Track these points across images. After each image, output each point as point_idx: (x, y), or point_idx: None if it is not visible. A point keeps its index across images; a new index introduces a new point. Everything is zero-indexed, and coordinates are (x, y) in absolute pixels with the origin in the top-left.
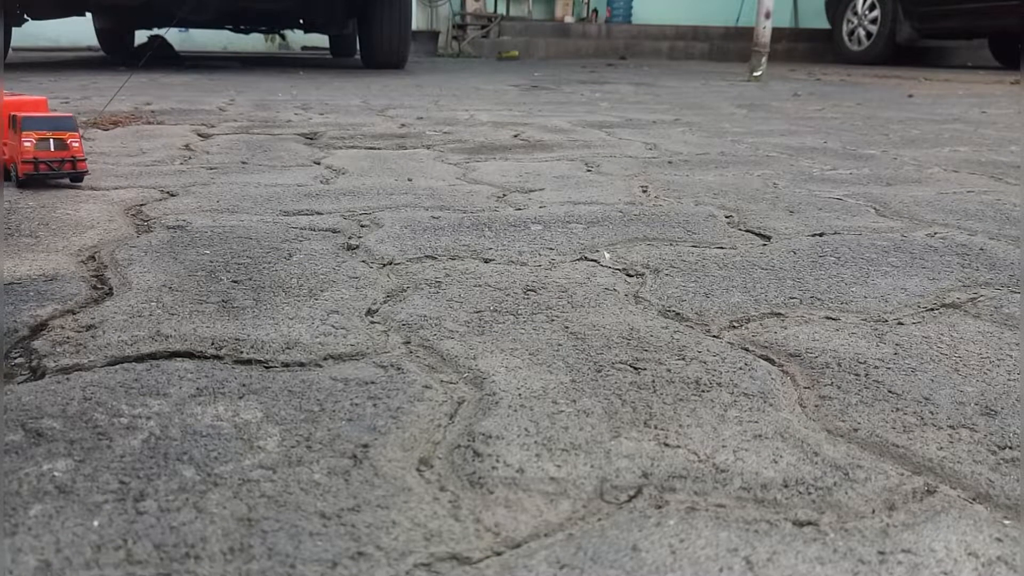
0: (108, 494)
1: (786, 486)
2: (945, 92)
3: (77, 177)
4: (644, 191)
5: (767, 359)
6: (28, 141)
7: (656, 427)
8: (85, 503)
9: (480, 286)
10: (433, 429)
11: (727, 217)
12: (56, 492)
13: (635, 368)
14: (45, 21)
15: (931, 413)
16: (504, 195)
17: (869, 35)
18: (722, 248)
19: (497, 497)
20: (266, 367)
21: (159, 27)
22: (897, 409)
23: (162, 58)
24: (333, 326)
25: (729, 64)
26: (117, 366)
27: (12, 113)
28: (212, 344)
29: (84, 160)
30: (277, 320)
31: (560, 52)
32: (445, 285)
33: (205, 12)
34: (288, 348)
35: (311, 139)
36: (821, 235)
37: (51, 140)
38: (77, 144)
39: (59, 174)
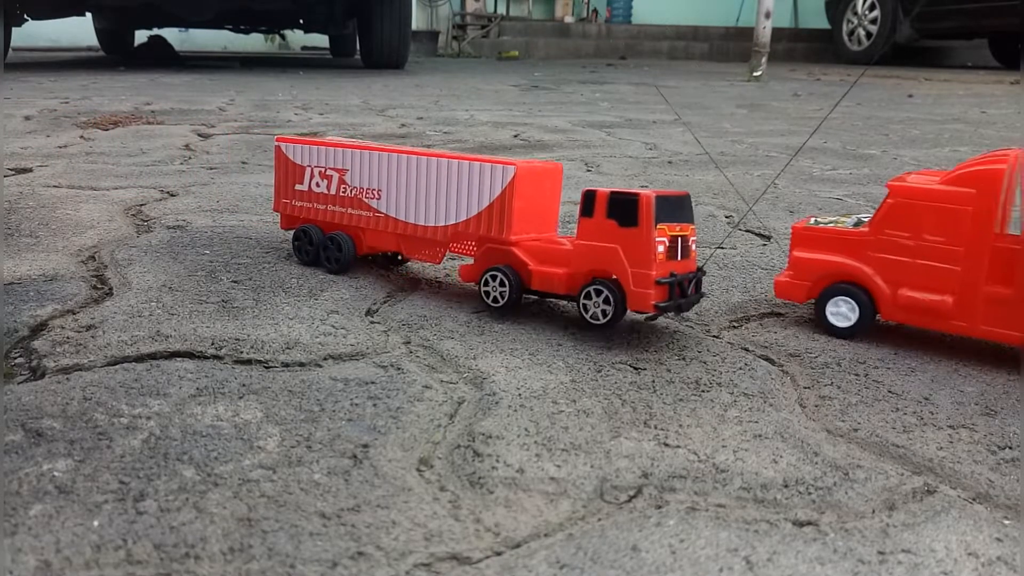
0: (108, 494)
1: (786, 486)
2: (945, 92)
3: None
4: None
5: (767, 359)
6: (661, 243)
7: (656, 427)
8: (85, 503)
9: None
10: (433, 429)
11: (727, 217)
12: (56, 492)
13: (635, 368)
14: (45, 21)
15: (931, 413)
16: None
17: (869, 35)
18: (722, 248)
19: (497, 497)
20: (266, 367)
21: (159, 27)
22: (897, 409)
23: (162, 58)
24: (333, 326)
25: (729, 64)
26: (117, 366)
27: (587, 190)
28: (212, 344)
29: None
30: (277, 320)
31: (560, 52)
32: (445, 285)
33: (205, 12)
34: (288, 348)
35: None
36: None
37: (679, 241)
38: (694, 244)
39: (690, 303)
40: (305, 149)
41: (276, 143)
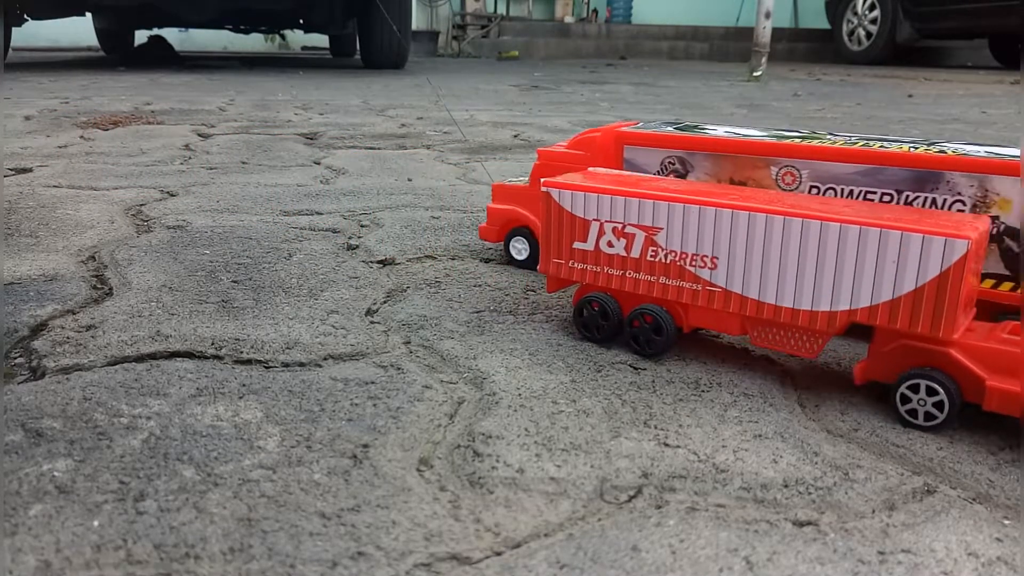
0: (108, 494)
1: (786, 486)
2: (945, 92)
3: None
4: None
5: (767, 359)
6: None
7: (656, 427)
8: (85, 503)
9: (480, 286)
10: (433, 429)
11: None
12: (56, 492)
13: (635, 368)
14: (45, 21)
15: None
16: None
17: (869, 35)
18: None
19: (497, 497)
20: (266, 367)
21: (159, 27)
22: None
23: (162, 58)
24: (333, 326)
25: (729, 64)
26: (117, 366)
27: None
28: (212, 344)
29: None
30: (277, 320)
31: (560, 52)
32: (445, 285)
33: (205, 12)
34: (288, 348)
35: (311, 139)
36: None
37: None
38: None
39: None
40: (591, 198)
41: (544, 188)
